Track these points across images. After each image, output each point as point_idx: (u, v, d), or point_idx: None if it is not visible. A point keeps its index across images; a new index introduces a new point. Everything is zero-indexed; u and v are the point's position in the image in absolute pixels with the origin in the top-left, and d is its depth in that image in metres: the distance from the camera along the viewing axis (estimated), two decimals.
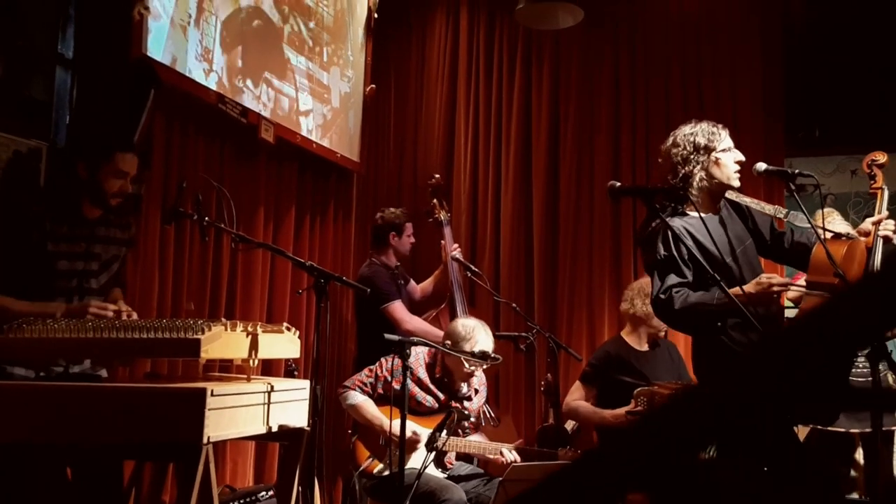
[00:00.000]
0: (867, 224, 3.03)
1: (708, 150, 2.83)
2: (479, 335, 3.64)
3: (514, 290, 5.14)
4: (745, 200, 2.96)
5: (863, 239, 2.83)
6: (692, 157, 2.83)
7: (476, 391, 3.86)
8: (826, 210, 4.00)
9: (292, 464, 2.77)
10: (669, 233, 2.75)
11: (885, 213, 3.30)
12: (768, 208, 3.01)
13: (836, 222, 3.87)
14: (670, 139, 2.92)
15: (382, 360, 3.69)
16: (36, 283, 2.63)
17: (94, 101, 3.33)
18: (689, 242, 2.76)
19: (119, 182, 2.73)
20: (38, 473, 2.57)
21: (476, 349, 3.59)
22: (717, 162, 2.83)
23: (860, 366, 3.73)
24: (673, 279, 2.75)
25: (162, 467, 3.16)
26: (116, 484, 2.83)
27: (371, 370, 3.68)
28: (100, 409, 2.24)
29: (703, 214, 2.80)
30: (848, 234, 3.12)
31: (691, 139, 2.85)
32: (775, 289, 2.65)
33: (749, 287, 2.66)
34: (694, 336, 3.00)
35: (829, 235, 3.48)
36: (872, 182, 3.58)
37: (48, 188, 3.17)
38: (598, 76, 5.23)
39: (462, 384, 3.74)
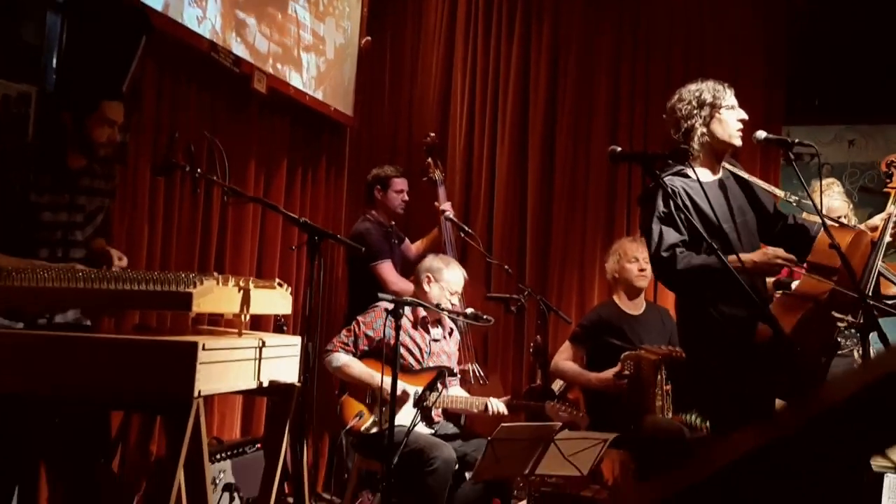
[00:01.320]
0: (876, 220, 3.06)
1: (712, 106, 2.84)
2: (453, 263, 3.89)
3: (507, 251, 5.13)
4: (754, 180, 2.96)
5: (869, 232, 2.83)
6: (695, 112, 2.85)
7: (451, 331, 3.93)
8: (827, 180, 3.99)
9: (282, 419, 2.76)
10: (670, 190, 2.74)
11: (893, 209, 3.33)
12: (778, 192, 3.02)
13: (834, 194, 3.86)
14: (676, 95, 2.93)
15: (359, 317, 3.70)
16: (18, 235, 2.59)
17: (84, 45, 3.25)
18: (687, 203, 2.76)
19: (107, 131, 2.68)
20: (25, 424, 2.56)
21: (453, 277, 3.78)
22: (719, 119, 2.84)
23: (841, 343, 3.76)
24: (674, 236, 2.75)
25: (150, 418, 3.16)
26: (104, 435, 2.82)
27: (349, 330, 3.69)
28: (90, 361, 2.22)
29: (702, 179, 2.80)
30: (855, 225, 3.13)
31: (697, 94, 2.86)
32: (779, 262, 2.65)
33: (754, 256, 2.65)
34: (679, 307, 3.00)
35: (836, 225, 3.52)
36: (888, 181, 3.63)
37: (35, 137, 3.10)
38: (598, 38, 5.15)
39: (437, 324, 3.83)
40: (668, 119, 2.94)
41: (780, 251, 2.71)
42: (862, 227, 3.10)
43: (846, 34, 4.79)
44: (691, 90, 2.88)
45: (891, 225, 3.32)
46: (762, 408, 2.69)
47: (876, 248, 2.92)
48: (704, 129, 2.84)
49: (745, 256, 2.64)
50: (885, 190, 3.59)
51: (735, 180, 2.96)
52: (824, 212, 3.71)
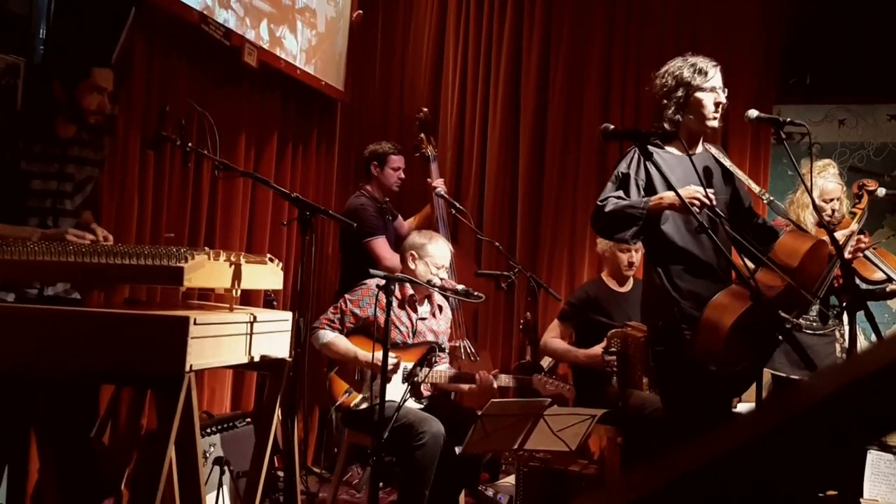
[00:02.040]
0: (838, 235, 3.13)
1: (689, 86, 2.81)
2: (438, 237, 3.81)
3: (498, 228, 5.14)
4: (737, 172, 2.96)
5: (829, 244, 2.83)
6: (673, 91, 2.82)
7: (440, 307, 3.90)
8: (823, 161, 4.00)
9: (273, 394, 2.77)
10: (639, 157, 2.76)
11: (855, 227, 3.42)
12: (755, 187, 3.03)
13: (829, 175, 3.86)
14: (662, 69, 2.92)
15: (346, 294, 3.70)
16: (8, 202, 2.57)
17: (72, 15, 3.21)
18: (654, 172, 2.76)
19: (97, 98, 2.66)
20: (14, 399, 2.56)
21: (437, 250, 3.71)
22: (696, 99, 2.81)
23: (811, 320, 3.80)
24: (617, 192, 2.79)
25: (141, 392, 3.16)
26: (93, 409, 2.82)
27: (336, 307, 3.68)
28: (81, 335, 2.21)
29: (679, 153, 2.82)
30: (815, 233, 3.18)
31: (676, 73, 2.84)
32: (698, 200, 2.64)
33: (680, 191, 2.65)
34: (644, 277, 3.01)
35: (809, 224, 3.60)
36: (857, 202, 3.70)
37: (24, 106, 3.07)
38: (592, 14, 5.12)
39: (424, 301, 3.80)
40: (655, 94, 2.93)
41: (702, 190, 2.68)
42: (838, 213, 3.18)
43: (837, 14, 4.78)
44: (672, 67, 2.86)
45: (851, 242, 3.42)
46: (709, 382, 2.73)
47: (831, 263, 2.97)
48: (678, 109, 2.82)
49: (675, 193, 2.63)
50: (853, 210, 3.68)
51: (717, 164, 2.96)
52: (817, 193, 3.75)
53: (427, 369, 3.43)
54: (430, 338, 3.80)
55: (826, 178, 3.84)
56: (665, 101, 2.84)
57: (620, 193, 2.77)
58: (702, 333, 2.67)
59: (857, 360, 0.46)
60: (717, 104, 2.82)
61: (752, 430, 0.47)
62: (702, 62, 2.84)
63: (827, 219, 3.84)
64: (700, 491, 0.46)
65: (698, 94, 2.81)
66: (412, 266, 3.70)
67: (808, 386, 0.46)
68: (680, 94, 2.81)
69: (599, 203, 2.77)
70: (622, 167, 2.83)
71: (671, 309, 2.77)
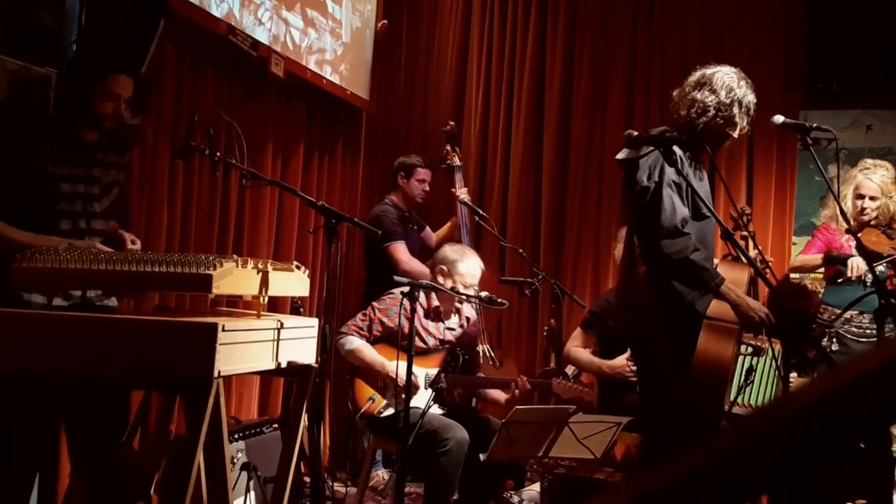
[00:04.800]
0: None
1: (747, 109, 2.82)
2: (469, 254, 3.76)
3: (521, 235, 5.14)
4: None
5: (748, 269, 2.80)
6: (727, 109, 2.79)
7: (468, 319, 3.90)
8: (879, 161, 3.95)
9: (300, 400, 2.80)
10: (679, 158, 2.66)
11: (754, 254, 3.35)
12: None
13: (873, 174, 3.81)
14: (711, 78, 2.84)
15: (374, 302, 3.71)
16: (38, 207, 2.62)
17: (101, 27, 3.27)
18: (687, 180, 2.75)
19: (112, 104, 2.69)
20: (46, 405, 2.60)
21: (470, 266, 3.67)
22: (737, 125, 2.81)
23: (864, 326, 3.75)
24: (683, 211, 2.67)
25: (170, 398, 3.20)
26: (124, 415, 2.86)
27: (365, 314, 3.70)
28: (112, 341, 2.25)
29: (686, 160, 2.79)
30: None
31: (737, 93, 2.80)
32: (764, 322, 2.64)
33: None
34: (624, 286, 2.97)
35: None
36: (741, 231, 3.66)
37: (52, 113, 3.13)
38: (615, 21, 5.12)
39: (452, 314, 3.79)
40: (683, 97, 2.87)
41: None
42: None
43: (864, 18, 4.74)
44: (730, 83, 2.81)
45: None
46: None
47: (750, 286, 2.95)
48: (726, 123, 2.80)
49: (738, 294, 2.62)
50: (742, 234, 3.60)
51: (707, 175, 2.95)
52: (853, 186, 3.75)
53: (450, 375, 3.43)
54: (457, 347, 3.81)
55: (868, 176, 3.80)
56: (713, 115, 2.80)
57: (687, 215, 2.68)
58: (698, 383, 2.62)
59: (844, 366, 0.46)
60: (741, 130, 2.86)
61: (750, 433, 0.48)
62: (753, 95, 2.85)
63: (862, 217, 3.82)
64: (700, 490, 0.47)
65: (737, 120, 2.83)
66: (441, 281, 3.68)
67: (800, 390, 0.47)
68: (735, 112, 2.80)
69: (680, 227, 2.63)
70: (671, 175, 2.70)
71: (649, 320, 2.73)
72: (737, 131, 2.84)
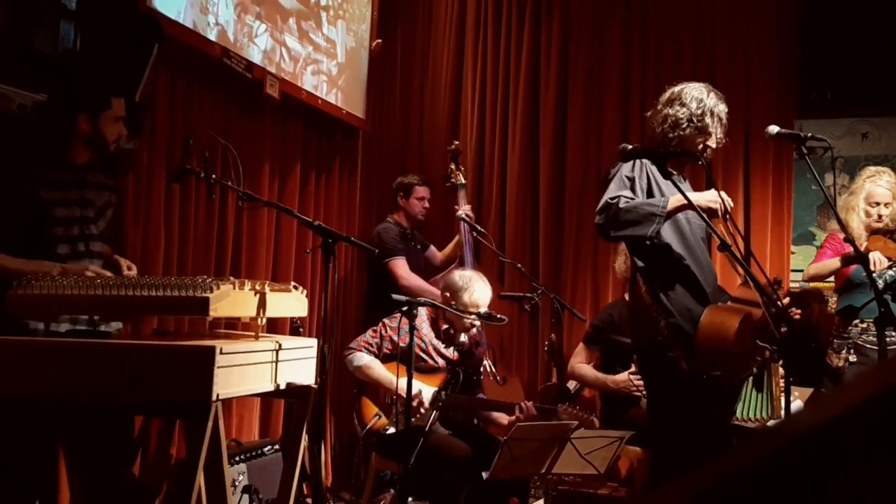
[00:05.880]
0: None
1: (719, 119, 2.86)
2: (476, 284, 3.71)
3: (520, 250, 5.13)
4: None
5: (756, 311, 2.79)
6: (699, 119, 2.84)
7: (478, 341, 3.90)
8: (878, 168, 3.96)
9: (300, 421, 2.79)
10: (641, 164, 2.78)
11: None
12: None
13: (881, 181, 3.83)
14: (681, 94, 2.90)
15: (385, 320, 3.71)
16: (34, 233, 2.61)
17: (96, 53, 3.29)
18: (662, 184, 2.78)
19: (117, 127, 2.76)
20: (46, 430, 2.59)
21: (474, 298, 3.66)
22: (711, 134, 2.86)
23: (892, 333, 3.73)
24: (627, 193, 2.74)
25: (170, 422, 3.19)
26: (126, 440, 2.85)
27: (375, 331, 3.69)
28: (110, 366, 2.24)
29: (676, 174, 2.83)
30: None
31: (706, 104, 2.85)
32: (719, 206, 2.64)
33: (703, 196, 2.65)
34: (632, 287, 2.98)
35: (854, 228, 3.52)
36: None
37: (41, 138, 3.13)
38: (608, 32, 5.14)
39: (463, 335, 3.78)
40: (657, 116, 2.93)
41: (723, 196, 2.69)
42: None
43: (856, 27, 4.76)
44: (699, 95, 2.87)
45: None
46: (706, 396, 2.70)
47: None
48: (698, 133, 2.85)
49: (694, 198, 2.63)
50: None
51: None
52: (864, 196, 3.76)
53: (452, 393, 3.42)
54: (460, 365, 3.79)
55: (876, 183, 3.82)
56: (691, 129, 2.85)
57: (629, 194, 2.75)
58: (705, 337, 2.62)
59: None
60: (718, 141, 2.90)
61: (765, 447, 0.47)
62: (723, 105, 2.90)
63: (877, 224, 3.82)
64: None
65: (711, 130, 2.87)
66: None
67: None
68: (706, 121, 2.85)
69: (610, 200, 2.70)
70: (626, 170, 2.81)
71: (659, 329, 2.73)
72: (713, 141, 2.88)
